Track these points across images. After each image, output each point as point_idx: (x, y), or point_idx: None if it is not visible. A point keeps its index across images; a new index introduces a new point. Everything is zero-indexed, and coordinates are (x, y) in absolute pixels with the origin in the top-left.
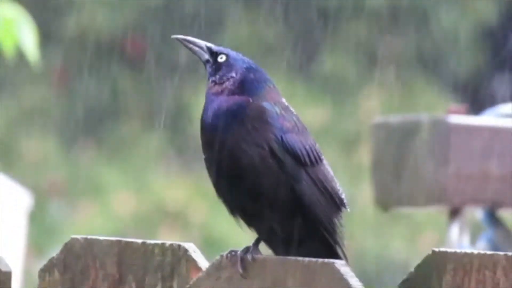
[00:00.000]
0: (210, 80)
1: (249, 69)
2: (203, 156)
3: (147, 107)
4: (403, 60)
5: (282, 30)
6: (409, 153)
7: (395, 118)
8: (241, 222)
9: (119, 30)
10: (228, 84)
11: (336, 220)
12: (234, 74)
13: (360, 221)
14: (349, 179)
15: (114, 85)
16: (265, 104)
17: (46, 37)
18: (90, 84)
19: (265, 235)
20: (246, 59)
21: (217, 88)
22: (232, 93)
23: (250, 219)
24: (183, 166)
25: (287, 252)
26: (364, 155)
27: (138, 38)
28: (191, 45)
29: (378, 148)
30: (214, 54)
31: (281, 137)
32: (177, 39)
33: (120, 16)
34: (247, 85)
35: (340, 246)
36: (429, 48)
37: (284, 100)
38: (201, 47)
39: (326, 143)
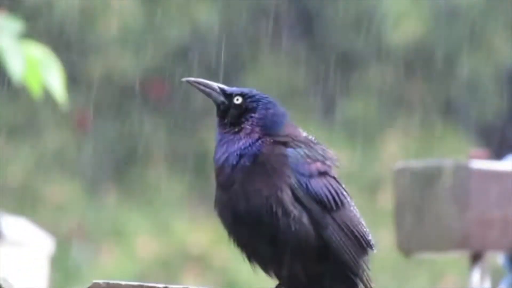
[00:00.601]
0: (224, 121)
1: (266, 104)
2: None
3: (170, 151)
4: (425, 105)
5: (304, 75)
6: (431, 198)
7: (417, 163)
8: (258, 267)
9: (143, 73)
10: (246, 124)
11: (362, 263)
12: (252, 114)
13: (383, 265)
14: (372, 223)
15: (137, 128)
16: (288, 150)
17: (70, 79)
18: (113, 128)
19: (286, 281)
20: (261, 94)
21: (232, 128)
22: (250, 132)
23: (270, 265)
24: (206, 210)
25: None
26: (387, 200)
27: (162, 82)
28: (203, 87)
29: (401, 193)
30: (229, 96)
31: (306, 184)
32: (188, 81)
33: (144, 60)
34: (266, 123)
35: None
36: (451, 93)
37: (301, 131)
38: (214, 89)
39: (348, 187)
